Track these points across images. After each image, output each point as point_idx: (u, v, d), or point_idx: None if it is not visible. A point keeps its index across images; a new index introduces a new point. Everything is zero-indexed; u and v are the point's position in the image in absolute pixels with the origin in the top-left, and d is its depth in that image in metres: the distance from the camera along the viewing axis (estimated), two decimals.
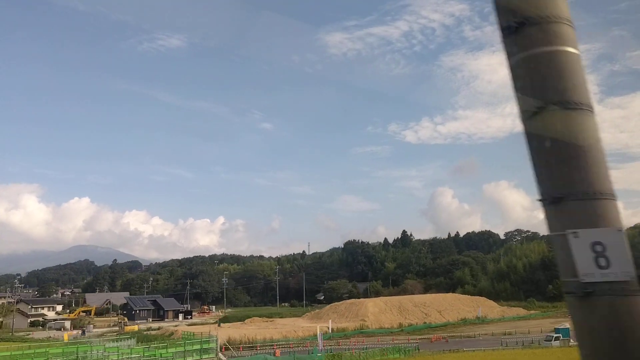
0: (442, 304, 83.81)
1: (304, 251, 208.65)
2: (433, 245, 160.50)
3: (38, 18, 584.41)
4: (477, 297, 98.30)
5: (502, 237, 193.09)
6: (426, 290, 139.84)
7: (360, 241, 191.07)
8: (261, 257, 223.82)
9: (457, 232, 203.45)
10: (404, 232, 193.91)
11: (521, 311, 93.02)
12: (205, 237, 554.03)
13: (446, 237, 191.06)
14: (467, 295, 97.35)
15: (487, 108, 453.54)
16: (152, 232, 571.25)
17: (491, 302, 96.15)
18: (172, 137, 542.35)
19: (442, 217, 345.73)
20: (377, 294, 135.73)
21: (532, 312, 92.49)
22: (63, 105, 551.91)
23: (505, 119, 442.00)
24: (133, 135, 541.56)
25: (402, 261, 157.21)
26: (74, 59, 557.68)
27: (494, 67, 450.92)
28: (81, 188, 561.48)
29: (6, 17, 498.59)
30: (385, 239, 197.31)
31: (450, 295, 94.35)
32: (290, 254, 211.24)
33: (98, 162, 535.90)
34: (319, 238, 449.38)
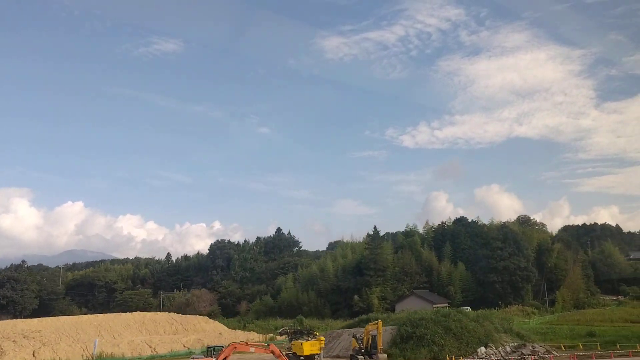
0: (88, 329, 56.39)
1: (168, 253, 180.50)
2: (268, 244, 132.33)
3: (31, 20, 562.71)
4: (198, 316, 71.31)
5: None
6: (237, 301, 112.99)
7: (227, 241, 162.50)
8: (116, 260, 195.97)
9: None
10: (279, 229, 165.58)
11: (250, 336, 65.33)
12: (200, 241, 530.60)
13: None
14: (178, 315, 69.59)
15: (484, 113, 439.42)
16: (145, 236, 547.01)
17: (214, 325, 68.89)
18: (169, 141, 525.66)
19: (437, 221, 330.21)
20: (165, 307, 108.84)
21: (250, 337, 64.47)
22: (59, 108, 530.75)
23: (502, 123, 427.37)
24: (129, 139, 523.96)
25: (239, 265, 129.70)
26: (67, 62, 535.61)
27: (490, 72, 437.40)
28: (75, 192, 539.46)
29: None
30: (258, 238, 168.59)
31: (130, 315, 66.48)
32: (152, 257, 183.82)
33: (92, 167, 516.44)
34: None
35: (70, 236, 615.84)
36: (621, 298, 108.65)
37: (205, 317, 71.68)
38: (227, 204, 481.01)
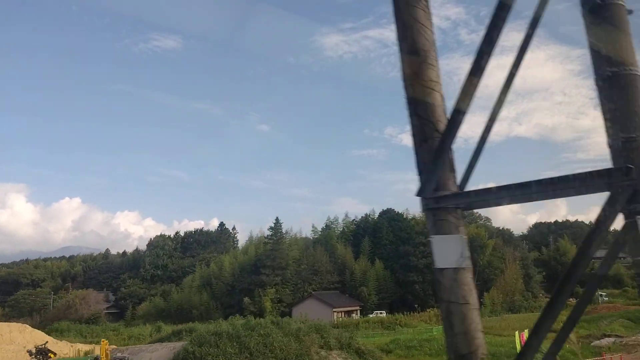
0: None
1: (107, 249, 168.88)
2: (188, 239, 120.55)
3: (28, 16, 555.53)
4: (13, 324, 59.87)
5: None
6: (140, 302, 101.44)
7: (167, 235, 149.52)
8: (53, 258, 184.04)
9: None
10: (222, 223, 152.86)
11: (65, 349, 53.63)
12: None
13: None
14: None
15: (483, 112, 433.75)
16: (143, 233, 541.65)
17: (32, 334, 57.33)
18: (168, 138, 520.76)
19: None
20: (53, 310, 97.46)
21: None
22: (56, 104, 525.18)
23: (501, 122, 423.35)
24: (128, 135, 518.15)
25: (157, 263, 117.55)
26: (65, 59, 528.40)
27: (489, 71, 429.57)
28: (72, 188, 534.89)
29: None
30: (177, 232, 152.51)
31: None
32: (89, 253, 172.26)
33: (91, 163, 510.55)
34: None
35: (68, 232, 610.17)
36: (571, 300, 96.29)
37: (25, 325, 59.97)
38: (226, 202, 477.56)
